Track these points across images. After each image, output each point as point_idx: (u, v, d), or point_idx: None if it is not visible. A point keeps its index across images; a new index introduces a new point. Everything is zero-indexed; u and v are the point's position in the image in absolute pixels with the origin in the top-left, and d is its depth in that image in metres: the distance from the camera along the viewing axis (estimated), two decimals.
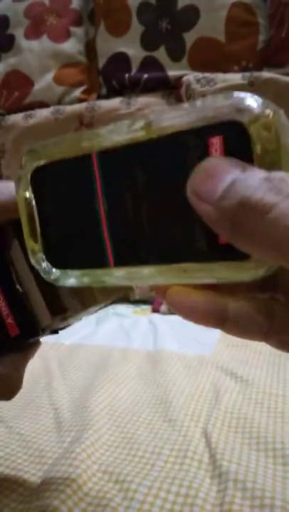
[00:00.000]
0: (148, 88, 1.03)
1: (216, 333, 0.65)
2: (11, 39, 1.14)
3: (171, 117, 0.18)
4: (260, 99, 0.16)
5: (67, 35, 1.11)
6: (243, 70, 0.97)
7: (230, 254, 0.17)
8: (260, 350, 0.57)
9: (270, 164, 0.16)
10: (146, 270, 0.20)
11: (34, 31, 1.12)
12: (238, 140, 0.17)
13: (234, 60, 0.98)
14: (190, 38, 0.99)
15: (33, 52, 1.11)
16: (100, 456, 0.35)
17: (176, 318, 0.76)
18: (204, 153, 0.17)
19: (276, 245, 0.15)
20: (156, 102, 1.01)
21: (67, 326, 0.29)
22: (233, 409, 0.41)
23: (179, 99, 0.99)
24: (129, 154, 0.19)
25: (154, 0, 1.01)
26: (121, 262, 0.20)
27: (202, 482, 0.31)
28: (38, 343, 0.28)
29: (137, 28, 1.02)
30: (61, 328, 0.29)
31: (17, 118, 1.09)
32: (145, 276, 0.20)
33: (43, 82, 1.10)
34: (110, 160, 0.20)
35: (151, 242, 0.19)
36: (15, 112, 1.11)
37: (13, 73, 1.13)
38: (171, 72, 1.01)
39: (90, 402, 0.42)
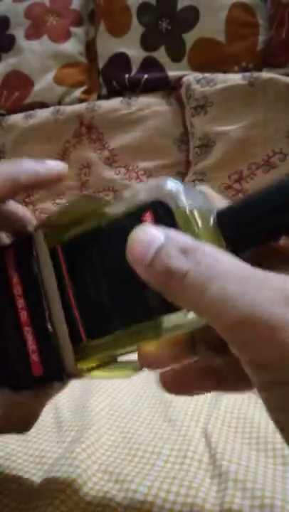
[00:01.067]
0: (148, 88, 1.03)
1: None
2: (11, 39, 1.14)
3: (116, 207, 0.23)
4: (177, 183, 0.21)
5: (67, 35, 1.11)
6: (243, 70, 0.97)
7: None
8: None
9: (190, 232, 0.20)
10: (111, 338, 0.23)
11: (34, 31, 1.12)
12: (164, 213, 0.21)
13: (234, 60, 0.98)
14: (190, 38, 0.99)
15: (33, 53, 1.11)
16: (100, 456, 0.35)
17: None
18: None
19: (193, 304, 0.19)
20: (156, 102, 1.01)
21: None
22: (233, 409, 0.41)
23: (179, 100, 0.99)
24: (86, 243, 0.24)
25: (154, 0, 1.01)
26: (91, 335, 0.24)
27: (202, 482, 0.31)
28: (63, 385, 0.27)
29: (137, 29, 1.02)
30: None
31: (17, 118, 1.09)
32: (113, 345, 0.23)
33: (43, 83, 1.10)
34: (71, 250, 0.25)
35: (113, 312, 0.23)
36: (15, 112, 1.11)
37: (13, 73, 1.13)
38: (171, 73, 1.01)
39: (90, 402, 0.42)
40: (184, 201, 0.21)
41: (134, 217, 0.22)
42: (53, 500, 0.29)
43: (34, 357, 0.25)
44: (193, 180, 0.87)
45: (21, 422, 0.27)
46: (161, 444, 0.36)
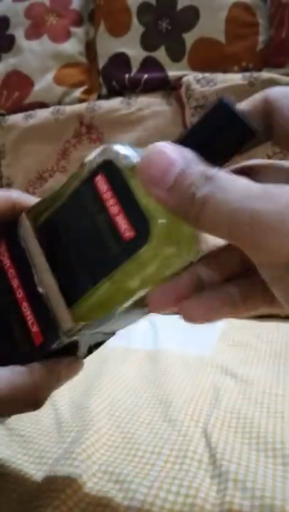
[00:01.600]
0: (148, 88, 1.03)
1: (216, 333, 0.65)
2: (11, 39, 1.14)
3: (76, 178, 0.26)
4: (123, 144, 0.23)
5: (67, 35, 1.11)
6: (243, 70, 0.97)
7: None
8: (260, 350, 0.57)
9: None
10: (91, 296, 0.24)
11: (34, 31, 1.12)
12: (114, 173, 0.22)
13: (234, 60, 0.98)
14: (190, 38, 0.99)
15: (33, 53, 1.11)
16: (100, 457, 0.35)
17: (176, 318, 0.76)
18: (94, 192, 0.23)
19: (215, 227, 0.19)
20: (156, 102, 1.01)
21: (100, 342, 0.29)
22: (233, 409, 0.41)
23: (179, 100, 0.99)
24: (55, 219, 0.26)
25: (154, 0, 1.01)
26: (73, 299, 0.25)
27: (202, 482, 0.31)
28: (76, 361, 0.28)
29: (137, 29, 1.02)
30: (96, 346, 0.29)
31: (17, 118, 1.09)
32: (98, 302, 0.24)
33: (43, 83, 1.10)
34: (46, 228, 0.27)
35: (84, 272, 0.24)
36: (15, 112, 1.11)
37: (13, 73, 1.13)
38: (171, 73, 1.01)
39: (90, 403, 0.42)
40: (132, 158, 0.22)
41: (88, 183, 0.24)
42: (52, 501, 0.29)
43: (34, 328, 0.26)
44: None
45: (31, 402, 0.27)
46: (161, 444, 0.36)
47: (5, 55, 1.14)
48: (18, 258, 0.27)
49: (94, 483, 0.32)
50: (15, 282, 0.27)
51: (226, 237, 0.19)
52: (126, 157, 0.22)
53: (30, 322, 0.26)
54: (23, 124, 1.07)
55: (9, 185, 1.09)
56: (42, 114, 1.07)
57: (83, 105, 1.04)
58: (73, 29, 1.11)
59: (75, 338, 0.25)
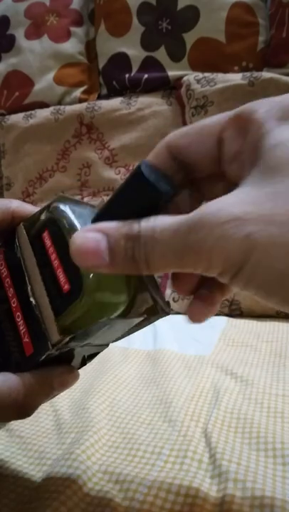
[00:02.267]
0: (148, 88, 1.03)
1: (216, 334, 0.65)
2: (12, 39, 1.14)
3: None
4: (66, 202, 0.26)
5: (67, 35, 1.11)
6: (244, 70, 0.97)
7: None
8: (260, 350, 0.57)
9: None
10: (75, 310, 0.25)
11: (34, 31, 1.12)
12: (57, 231, 0.25)
13: (234, 60, 0.98)
14: (190, 38, 0.99)
15: (33, 53, 1.11)
16: (100, 457, 0.35)
17: (176, 318, 0.76)
18: (42, 246, 0.26)
19: (171, 267, 0.21)
20: (157, 102, 1.01)
21: (94, 353, 0.30)
22: (233, 409, 0.41)
23: (179, 100, 0.99)
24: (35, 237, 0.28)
25: (154, 0, 1.01)
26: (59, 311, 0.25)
27: (202, 482, 0.31)
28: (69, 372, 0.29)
29: (137, 29, 1.02)
30: (90, 357, 0.30)
31: (17, 118, 1.09)
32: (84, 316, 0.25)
33: (44, 83, 1.10)
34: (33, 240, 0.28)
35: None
36: (15, 112, 1.11)
37: (13, 73, 1.13)
38: (172, 73, 1.01)
39: (90, 403, 0.42)
40: (72, 220, 0.25)
41: (38, 237, 0.26)
42: (52, 502, 0.29)
43: (25, 339, 0.26)
44: None
45: (19, 410, 0.27)
46: (161, 444, 0.36)
47: (5, 55, 1.14)
48: (14, 267, 0.28)
49: (94, 484, 0.32)
50: (10, 292, 0.27)
51: (179, 270, 0.21)
52: (67, 218, 0.25)
53: (22, 332, 0.26)
54: (23, 123, 1.07)
55: (9, 185, 1.09)
56: (42, 114, 1.06)
57: (83, 105, 1.04)
58: (73, 29, 1.11)
59: (65, 349, 0.26)
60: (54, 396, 0.28)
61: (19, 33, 1.13)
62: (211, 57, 0.98)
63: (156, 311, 0.27)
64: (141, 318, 0.27)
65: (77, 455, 0.34)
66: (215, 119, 0.24)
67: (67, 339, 0.25)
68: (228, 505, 0.29)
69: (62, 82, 1.10)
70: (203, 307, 0.27)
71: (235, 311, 0.76)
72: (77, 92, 1.09)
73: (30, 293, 0.26)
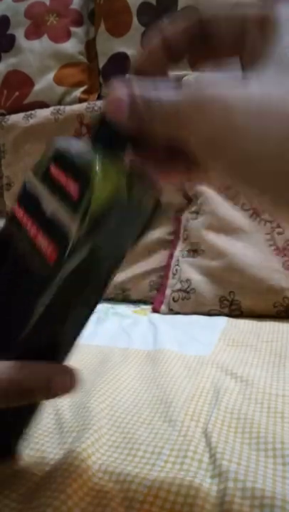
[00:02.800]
0: None
1: (215, 334, 0.65)
2: (12, 39, 1.14)
3: None
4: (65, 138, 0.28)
5: (67, 35, 1.11)
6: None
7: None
8: (260, 350, 0.57)
9: None
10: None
11: (34, 31, 1.12)
12: (65, 160, 0.27)
13: (234, 60, 0.98)
14: None
15: (33, 53, 1.11)
16: (100, 456, 0.35)
17: (176, 318, 0.76)
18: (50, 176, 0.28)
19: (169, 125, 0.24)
20: None
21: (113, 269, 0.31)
22: (233, 409, 0.41)
23: None
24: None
25: (154, 0, 1.01)
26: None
27: (202, 482, 0.31)
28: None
29: (137, 29, 1.02)
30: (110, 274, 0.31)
31: (17, 118, 1.09)
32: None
33: (44, 82, 1.10)
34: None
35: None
36: (15, 112, 1.11)
37: (13, 73, 1.13)
38: (172, 73, 1.01)
39: (91, 403, 0.42)
40: (76, 146, 0.27)
41: (46, 168, 0.29)
42: (53, 501, 0.29)
43: (49, 248, 0.27)
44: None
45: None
46: (162, 444, 0.36)
47: (5, 55, 1.15)
48: (29, 206, 0.29)
49: (94, 484, 0.32)
50: (28, 226, 0.29)
51: (173, 138, 0.23)
52: (69, 145, 0.28)
53: (44, 246, 0.27)
54: (23, 123, 1.07)
55: (9, 185, 1.09)
56: (42, 114, 1.07)
57: (83, 105, 1.04)
58: (73, 29, 1.11)
59: (85, 249, 0.27)
60: (48, 398, 0.28)
61: (19, 33, 1.13)
62: None
63: (158, 202, 0.29)
64: (146, 213, 0.28)
65: (78, 454, 0.34)
66: (244, 10, 0.26)
67: (85, 227, 0.26)
68: (228, 505, 0.29)
69: (63, 82, 1.10)
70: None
71: (235, 311, 0.76)
72: (77, 92, 1.09)
73: (45, 209, 0.27)
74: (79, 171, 0.26)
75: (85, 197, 0.25)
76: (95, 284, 0.30)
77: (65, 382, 0.28)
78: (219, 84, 0.22)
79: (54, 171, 0.28)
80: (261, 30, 0.24)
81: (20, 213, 0.30)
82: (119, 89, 0.25)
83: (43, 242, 0.27)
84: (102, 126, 0.27)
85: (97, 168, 0.26)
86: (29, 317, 0.28)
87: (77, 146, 0.28)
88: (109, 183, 0.26)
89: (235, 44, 0.26)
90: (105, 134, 0.27)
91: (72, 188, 0.26)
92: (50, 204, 0.27)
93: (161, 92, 0.24)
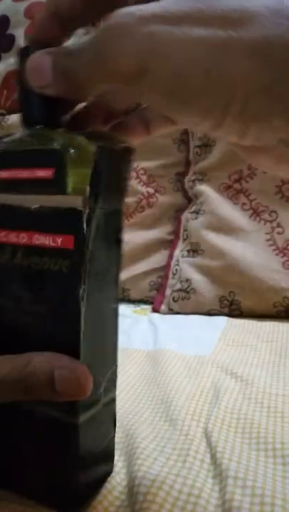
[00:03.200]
0: None
1: (215, 333, 0.65)
2: (11, 39, 1.14)
3: None
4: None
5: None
6: None
7: None
8: (260, 349, 0.57)
9: None
10: None
11: None
12: None
13: None
14: None
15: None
16: None
17: (177, 319, 0.77)
18: None
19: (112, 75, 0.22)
20: None
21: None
22: (233, 409, 0.41)
23: None
24: None
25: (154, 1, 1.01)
26: None
27: (205, 482, 0.31)
28: None
29: None
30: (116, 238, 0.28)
31: (17, 118, 1.09)
32: None
33: None
34: None
35: None
36: (15, 112, 1.11)
37: (13, 73, 1.13)
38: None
39: None
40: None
41: None
42: None
43: (60, 240, 0.25)
44: (194, 180, 0.87)
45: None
46: (164, 443, 0.36)
47: (5, 55, 1.14)
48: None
49: None
50: (15, 239, 0.27)
51: (105, 79, 0.22)
52: None
53: (50, 243, 0.25)
54: None
55: None
56: None
57: (83, 105, 1.04)
58: None
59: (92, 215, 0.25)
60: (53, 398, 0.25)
61: (19, 33, 1.13)
62: None
63: (129, 148, 0.28)
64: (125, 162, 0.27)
65: None
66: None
67: (82, 195, 0.24)
68: (228, 503, 0.29)
69: None
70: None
71: (235, 311, 0.76)
72: None
73: (27, 209, 0.26)
74: (35, 155, 0.25)
75: (63, 170, 0.24)
76: (112, 258, 0.28)
77: (72, 380, 0.24)
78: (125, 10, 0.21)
79: (4, 174, 0.26)
80: None
81: None
82: (36, 55, 0.24)
83: (44, 239, 0.25)
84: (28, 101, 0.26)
85: (57, 142, 0.24)
86: (79, 320, 0.25)
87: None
88: (76, 148, 0.24)
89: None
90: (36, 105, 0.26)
91: (43, 173, 0.25)
92: (28, 201, 0.25)
93: (78, 40, 0.23)
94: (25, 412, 0.27)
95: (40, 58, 0.24)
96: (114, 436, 0.32)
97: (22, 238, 0.25)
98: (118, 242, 0.28)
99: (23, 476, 0.29)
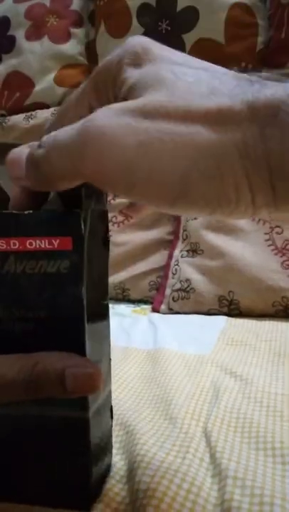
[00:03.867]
0: None
1: (215, 333, 0.65)
2: (12, 40, 1.14)
3: None
4: None
5: (67, 36, 1.11)
6: (243, 70, 0.97)
7: None
8: (260, 349, 0.57)
9: None
10: None
11: (35, 32, 1.12)
12: None
13: (234, 61, 0.98)
14: (190, 39, 0.99)
15: (33, 54, 1.11)
16: None
17: (176, 318, 0.77)
18: None
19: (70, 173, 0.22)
20: None
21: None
22: (233, 408, 0.41)
23: None
24: None
25: (154, 1, 1.01)
26: None
27: (204, 481, 0.31)
28: None
29: (136, 30, 1.03)
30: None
31: (18, 119, 1.09)
32: None
33: (44, 83, 1.11)
34: None
35: None
36: (16, 113, 1.11)
37: (13, 74, 1.13)
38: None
39: None
40: None
41: None
42: None
43: (56, 241, 0.25)
44: None
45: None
46: (163, 440, 0.36)
47: (6, 56, 1.15)
48: None
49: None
50: (14, 246, 0.27)
51: (76, 178, 0.22)
52: None
53: (48, 245, 0.25)
54: (23, 124, 1.08)
55: None
56: (42, 115, 1.07)
57: None
58: (73, 30, 1.12)
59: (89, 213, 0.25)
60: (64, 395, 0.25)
61: (19, 34, 1.13)
62: (210, 58, 0.97)
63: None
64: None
65: None
66: (75, 102, 0.26)
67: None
68: (227, 502, 0.29)
69: (63, 83, 1.10)
70: None
71: (234, 311, 0.77)
72: None
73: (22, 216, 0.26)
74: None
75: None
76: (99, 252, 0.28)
77: (85, 377, 0.24)
78: (104, 114, 0.21)
79: None
80: (100, 92, 0.25)
81: None
82: (17, 148, 0.25)
83: (39, 243, 0.25)
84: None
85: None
86: (82, 318, 0.25)
87: None
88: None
89: None
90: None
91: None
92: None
93: (58, 131, 0.23)
94: (33, 417, 0.28)
95: (17, 150, 0.25)
96: (112, 426, 0.33)
97: (13, 245, 0.25)
98: (107, 241, 0.29)
99: (33, 485, 0.29)
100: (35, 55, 1.11)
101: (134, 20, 1.03)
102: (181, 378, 0.48)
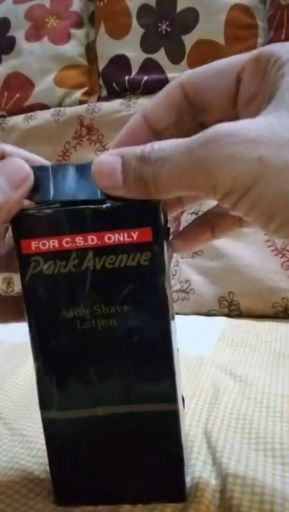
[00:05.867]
0: (148, 90, 1.03)
1: (215, 333, 0.65)
2: (12, 41, 1.14)
3: None
4: None
5: (67, 37, 1.11)
6: None
7: None
8: (260, 349, 0.57)
9: None
10: None
11: (35, 33, 1.12)
12: None
13: None
14: (189, 40, 0.99)
15: (33, 55, 1.11)
16: None
17: (176, 319, 0.77)
18: None
19: (176, 190, 0.23)
20: None
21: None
22: (233, 409, 0.41)
23: None
24: None
25: (154, 2, 1.01)
26: None
27: (208, 483, 0.31)
28: None
29: (136, 31, 1.03)
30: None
31: (18, 120, 1.09)
32: None
33: (44, 84, 1.11)
34: None
35: None
36: (16, 113, 1.11)
37: (13, 75, 1.13)
38: (171, 74, 1.01)
39: None
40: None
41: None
42: None
43: (136, 234, 0.25)
44: None
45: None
46: None
47: (5, 57, 1.15)
48: (63, 227, 0.27)
49: None
50: (84, 243, 0.26)
51: (185, 191, 0.22)
52: None
53: (126, 239, 0.25)
54: (23, 125, 1.08)
55: None
56: (42, 116, 1.07)
57: (83, 107, 1.05)
58: (73, 31, 1.12)
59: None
60: None
61: (19, 35, 1.13)
62: (210, 59, 0.98)
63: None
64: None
65: None
66: (233, 60, 0.25)
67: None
68: (228, 501, 0.29)
69: (63, 84, 1.10)
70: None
71: (234, 312, 0.77)
72: (78, 94, 1.10)
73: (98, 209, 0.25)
74: None
75: None
76: None
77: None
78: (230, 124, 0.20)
79: None
80: (258, 74, 0.23)
81: (56, 245, 0.25)
82: (106, 156, 0.23)
83: (118, 237, 0.24)
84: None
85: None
86: (167, 308, 0.26)
87: None
88: None
89: (229, 99, 0.24)
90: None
91: None
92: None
93: (161, 143, 0.22)
94: (120, 415, 0.28)
95: (109, 160, 0.23)
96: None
97: (91, 240, 0.25)
98: (168, 231, 0.28)
99: (131, 483, 0.29)
100: (35, 56, 1.11)
101: (134, 22, 1.03)
102: (181, 378, 0.48)
